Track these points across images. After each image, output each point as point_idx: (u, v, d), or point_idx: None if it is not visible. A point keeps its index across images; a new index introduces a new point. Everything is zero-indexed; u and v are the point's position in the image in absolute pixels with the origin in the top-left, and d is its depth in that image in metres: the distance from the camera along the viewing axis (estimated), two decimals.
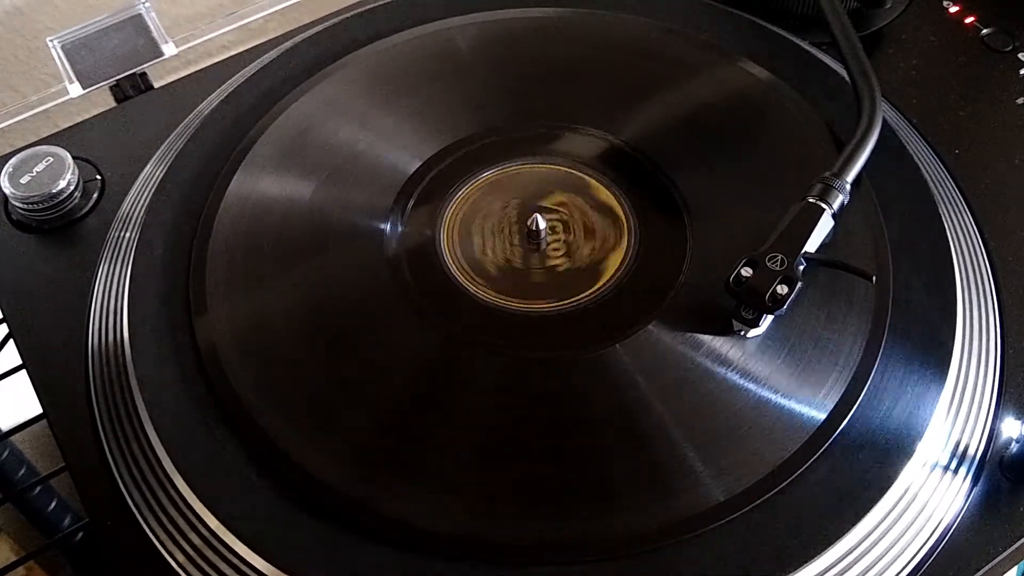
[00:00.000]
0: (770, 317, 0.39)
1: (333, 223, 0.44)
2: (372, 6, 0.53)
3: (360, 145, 0.47)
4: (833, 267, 0.40)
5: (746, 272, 0.39)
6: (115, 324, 0.42)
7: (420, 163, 0.46)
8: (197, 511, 0.37)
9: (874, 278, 0.40)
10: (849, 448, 0.37)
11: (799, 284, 0.39)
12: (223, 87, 0.51)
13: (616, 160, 0.46)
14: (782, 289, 0.39)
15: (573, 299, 0.42)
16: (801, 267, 0.39)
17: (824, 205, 0.41)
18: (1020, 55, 0.52)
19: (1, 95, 0.66)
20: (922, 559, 0.37)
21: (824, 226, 0.41)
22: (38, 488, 0.46)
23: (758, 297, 0.38)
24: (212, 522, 0.37)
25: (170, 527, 0.38)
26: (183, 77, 0.53)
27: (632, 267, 0.43)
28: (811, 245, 0.40)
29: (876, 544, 0.36)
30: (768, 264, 0.39)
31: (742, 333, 0.40)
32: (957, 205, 0.45)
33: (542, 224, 0.43)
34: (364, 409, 0.39)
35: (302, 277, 0.43)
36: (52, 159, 0.47)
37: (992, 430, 0.39)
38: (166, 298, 0.42)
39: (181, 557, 0.37)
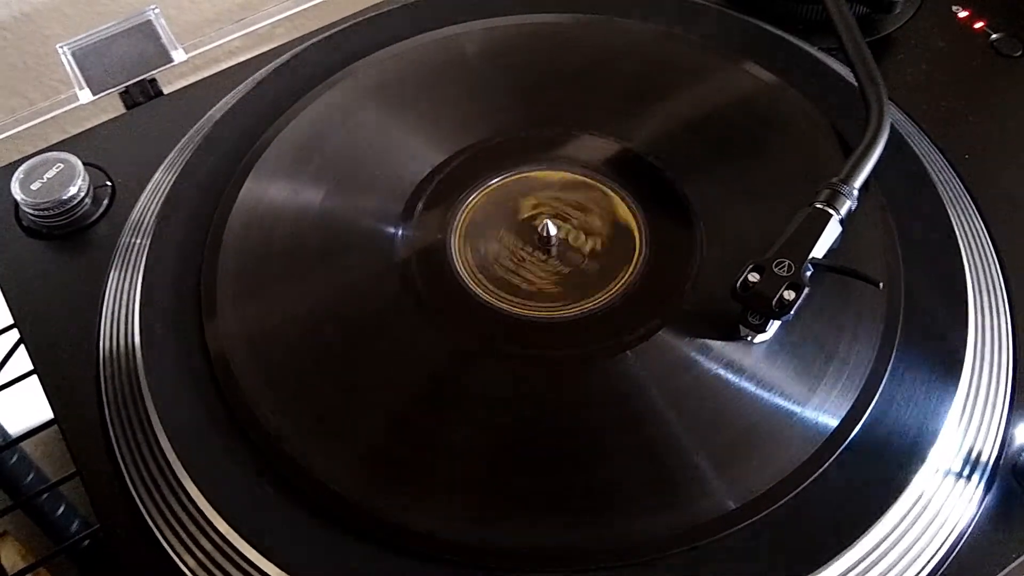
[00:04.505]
0: (777, 323, 0.39)
1: (343, 229, 0.44)
2: (380, 12, 0.54)
3: (370, 151, 0.47)
4: (841, 273, 0.40)
5: (753, 278, 0.39)
6: (126, 330, 0.42)
7: (430, 169, 0.46)
8: (208, 516, 0.37)
9: (881, 284, 0.40)
10: (861, 454, 0.37)
11: (806, 290, 0.39)
12: (233, 93, 0.51)
13: (626, 165, 0.46)
14: (789, 295, 0.38)
15: (583, 305, 0.42)
16: (808, 273, 0.39)
17: (831, 211, 0.41)
18: None
19: (11, 101, 0.67)
20: (935, 566, 0.36)
21: (831, 232, 0.41)
22: (46, 493, 0.46)
23: (765, 303, 0.38)
24: (223, 527, 0.37)
25: (181, 532, 0.38)
26: (192, 83, 0.53)
27: (642, 273, 0.43)
28: (818, 251, 0.40)
29: (889, 551, 0.36)
30: (775, 270, 0.39)
31: (749, 338, 0.40)
32: (967, 210, 0.45)
33: (553, 230, 0.43)
34: (375, 415, 0.39)
35: (312, 283, 0.43)
36: (62, 165, 0.47)
37: (1005, 436, 0.39)
38: (177, 304, 0.42)
39: (192, 562, 0.37)
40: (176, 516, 0.38)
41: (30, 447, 0.50)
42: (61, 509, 0.48)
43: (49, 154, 0.48)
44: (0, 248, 0.47)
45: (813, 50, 0.51)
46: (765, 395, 0.38)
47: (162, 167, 0.49)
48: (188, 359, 0.40)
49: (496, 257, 0.44)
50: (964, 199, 0.46)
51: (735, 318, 0.39)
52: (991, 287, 0.43)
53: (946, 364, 0.39)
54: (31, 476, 0.48)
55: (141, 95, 0.53)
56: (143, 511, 0.39)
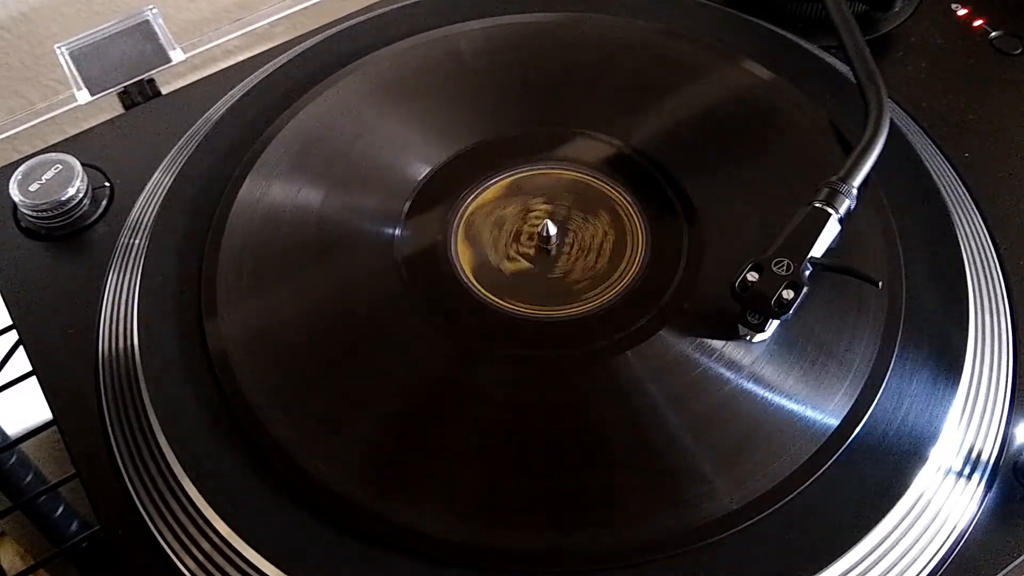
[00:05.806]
0: (776, 322, 0.39)
1: (343, 229, 0.44)
2: (379, 12, 0.53)
3: (370, 151, 0.47)
4: (840, 272, 0.40)
5: (752, 277, 0.39)
6: (125, 331, 0.42)
7: (430, 168, 0.46)
8: (208, 518, 0.37)
9: (880, 283, 0.40)
10: (862, 454, 0.37)
11: (805, 289, 0.38)
12: (231, 93, 0.51)
13: (626, 164, 0.46)
14: (788, 294, 0.38)
15: (583, 304, 0.42)
16: (807, 272, 0.39)
17: (830, 210, 0.41)
18: None
19: (9, 102, 0.66)
20: (936, 565, 0.36)
21: (830, 231, 0.41)
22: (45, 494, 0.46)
23: (764, 302, 0.38)
24: (223, 529, 0.37)
25: (181, 534, 0.38)
26: (190, 83, 0.53)
27: (642, 272, 0.43)
28: (817, 250, 0.40)
29: (890, 551, 0.36)
30: (774, 269, 0.39)
31: (748, 338, 0.40)
32: (967, 209, 0.45)
33: (552, 230, 0.43)
34: (375, 416, 0.39)
35: (312, 283, 0.43)
36: (61, 166, 0.47)
37: (1005, 435, 0.39)
38: (176, 305, 0.42)
39: (192, 564, 0.37)
40: (176, 517, 0.38)
41: (29, 448, 0.50)
42: (60, 510, 0.48)
43: (47, 155, 0.48)
44: None
45: (813, 48, 0.51)
46: (765, 395, 0.38)
47: (161, 167, 0.49)
48: (188, 359, 0.40)
49: (496, 257, 0.44)
50: (964, 198, 0.46)
51: (734, 317, 0.39)
52: (991, 286, 0.43)
53: (947, 363, 0.39)
54: (30, 477, 0.48)
55: (139, 95, 0.52)
56: (143, 512, 0.39)
